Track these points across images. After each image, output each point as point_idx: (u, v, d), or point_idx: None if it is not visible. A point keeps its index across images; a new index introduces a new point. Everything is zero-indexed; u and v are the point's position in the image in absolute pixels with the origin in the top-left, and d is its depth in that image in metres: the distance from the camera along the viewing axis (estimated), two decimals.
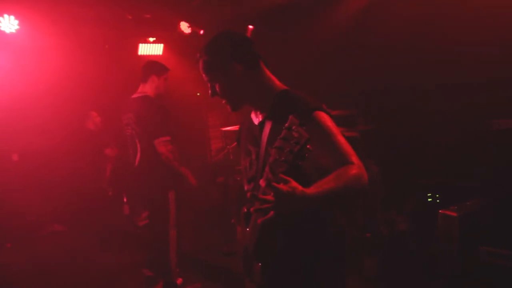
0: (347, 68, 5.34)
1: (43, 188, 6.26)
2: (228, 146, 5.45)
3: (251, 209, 1.49)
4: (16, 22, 5.06)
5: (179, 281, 4.25)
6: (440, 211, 3.80)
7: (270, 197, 1.46)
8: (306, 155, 1.49)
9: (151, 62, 4.28)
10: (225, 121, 6.46)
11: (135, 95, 4.13)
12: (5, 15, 5.00)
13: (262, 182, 1.41)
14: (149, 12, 6.29)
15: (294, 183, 1.45)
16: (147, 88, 4.10)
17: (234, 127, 5.18)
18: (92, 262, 5.23)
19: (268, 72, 1.97)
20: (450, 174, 4.52)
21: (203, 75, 1.98)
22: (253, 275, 1.92)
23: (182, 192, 4.33)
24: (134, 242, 5.94)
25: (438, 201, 4.47)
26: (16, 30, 5.07)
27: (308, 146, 1.49)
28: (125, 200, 6.62)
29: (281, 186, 1.43)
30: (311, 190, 1.50)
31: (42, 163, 6.19)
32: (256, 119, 1.99)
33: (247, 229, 1.88)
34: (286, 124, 1.55)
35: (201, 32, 6.80)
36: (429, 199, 4.56)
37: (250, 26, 6.06)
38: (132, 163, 4.19)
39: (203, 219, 6.26)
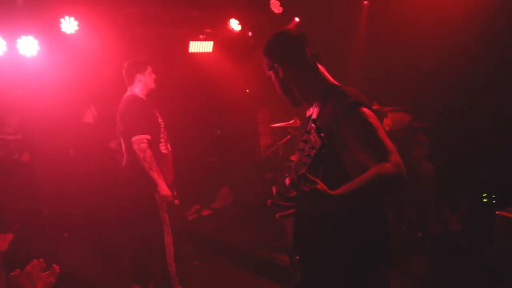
0: (401, 65, 5.23)
1: (93, 182, 6.50)
2: (277, 143, 5.47)
3: (268, 202, 1.46)
4: (76, 23, 5.29)
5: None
6: (496, 212, 3.65)
7: (291, 196, 1.43)
8: (323, 159, 1.49)
9: (130, 63, 4.10)
10: (274, 117, 6.49)
11: (124, 95, 4.03)
12: (66, 17, 5.25)
13: (287, 181, 1.41)
14: (199, 10, 6.40)
15: (319, 184, 1.42)
16: (134, 88, 3.98)
17: (284, 123, 5.19)
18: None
19: (321, 69, 1.99)
20: (507, 173, 4.33)
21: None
22: (294, 267, 1.95)
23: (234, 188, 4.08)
24: (183, 235, 6.09)
25: (494, 201, 4.30)
26: (75, 31, 5.31)
27: (323, 151, 1.48)
28: (175, 193, 6.79)
29: (303, 186, 1.41)
30: (338, 191, 1.46)
31: (91, 158, 6.43)
32: (308, 113, 2.02)
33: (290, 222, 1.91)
34: (307, 128, 1.57)
35: (250, 34, 6.86)
36: (484, 200, 4.39)
37: (297, 19, 6.03)
38: (121, 164, 4.07)
39: (252, 215, 6.32)
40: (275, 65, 1.99)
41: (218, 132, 8.02)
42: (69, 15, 5.26)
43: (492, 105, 4.61)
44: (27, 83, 5.55)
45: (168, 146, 4.06)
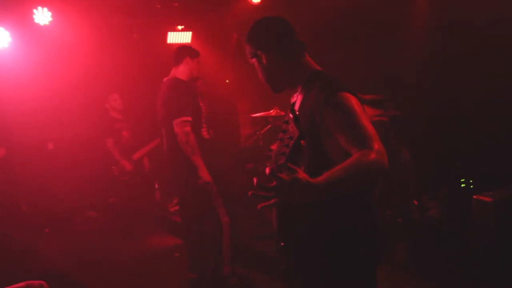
0: (376, 52, 5.25)
1: (77, 175, 6.43)
2: (257, 133, 5.46)
3: (249, 193, 1.46)
4: (49, 14, 5.17)
5: (227, 270, 3.92)
6: (474, 196, 3.72)
7: (271, 186, 1.42)
8: (302, 149, 1.51)
9: (184, 46, 4.12)
10: (254, 107, 6.47)
11: (165, 79, 3.93)
12: (39, 8, 5.12)
13: (266, 171, 1.40)
14: (177, 1, 6.31)
15: (299, 173, 1.41)
16: (179, 71, 3.86)
17: (264, 113, 5.18)
18: (124, 247, 5.38)
19: (305, 56, 1.98)
20: (485, 159, 4.41)
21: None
22: (280, 254, 1.96)
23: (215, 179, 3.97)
24: (165, 227, 6.07)
25: (471, 186, 4.38)
26: (49, 22, 5.19)
27: (301, 142, 1.49)
28: (156, 186, 6.75)
29: (283, 175, 1.41)
30: (319, 179, 1.45)
31: (74, 151, 6.35)
32: (292, 100, 2.01)
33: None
34: (285, 118, 1.57)
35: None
36: (462, 185, 4.47)
37: None
38: (164, 150, 3.97)
39: (233, 205, 6.31)
40: (258, 52, 1.97)
41: None
42: (42, 6, 5.15)
43: (470, 92, 4.67)
44: (0, 76, 5.42)
45: (211, 131, 4.00)
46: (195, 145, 3.62)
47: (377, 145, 1.57)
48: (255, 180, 1.43)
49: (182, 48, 3.99)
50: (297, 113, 1.82)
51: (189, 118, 3.62)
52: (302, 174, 1.42)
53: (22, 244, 5.18)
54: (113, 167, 5.83)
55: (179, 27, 6.87)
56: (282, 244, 1.95)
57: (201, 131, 3.89)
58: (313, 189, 1.43)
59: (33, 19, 5.12)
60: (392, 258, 4.08)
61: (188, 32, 6.89)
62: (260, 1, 6.05)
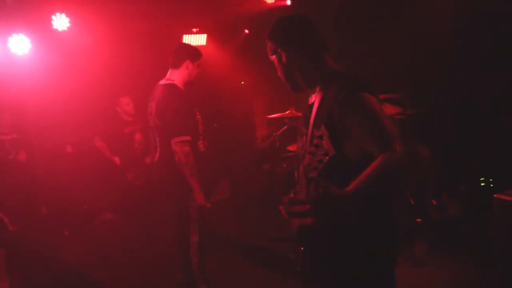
0: (395, 50, 5.21)
1: (94, 178, 6.50)
2: (274, 134, 5.46)
3: (284, 215, 1.53)
4: (67, 20, 5.24)
5: None
6: (494, 195, 3.67)
7: (307, 210, 1.48)
8: (336, 168, 1.56)
9: (186, 46, 3.85)
10: (270, 108, 6.47)
11: (162, 82, 3.67)
12: (57, 14, 5.20)
13: (299, 188, 1.45)
14: (192, 3, 6.35)
15: (330, 188, 1.47)
16: (177, 75, 3.64)
17: (280, 114, 5.18)
18: (141, 248, 5.42)
19: (325, 56, 1.97)
20: (505, 157, 4.34)
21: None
22: (298, 259, 1.96)
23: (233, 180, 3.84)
24: None
25: (491, 185, 4.32)
26: (67, 27, 5.27)
27: (337, 158, 1.56)
28: None
29: (316, 194, 1.46)
30: (349, 189, 1.52)
31: (90, 154, 6.42)
32: (310, 100, 2.01)
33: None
34: (319, 133, 1.61)
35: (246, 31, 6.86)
36: (482, 184, 4.41)
37: None
38: (153, 156, 3.80)
39: (251, 206, 6.33)
40: (279, 49, 1.97)
41: (215, 125, 8.00)
42: (61, 12, 5.22)
43: (491, 89, 4.61)
44: (20, 81, 5.52)
45: (206, 142, 3.88)
46: (194, 166, 3.50)
47: (398, 146, 1.59)
48: (285, 199, 1.50)
49: (183, 49, 3.73)
50: (315, 112, 1.83)
51: (189, 138, 3.50)
52: (333, 188, 1.48)
53: (43, 246, 5.27)
54: (127, 173, 5.89)
55: (194, 30, 6.90)
56: (301, 248, 1.95)
57: (197, 144, 3.73)
58: (346, 199, 1.49)
59: (51, 25, 5.20)
60: (412, 256, 4.05)
61: (203, 35, 6.92)
62: (274, 1, 6.05)
